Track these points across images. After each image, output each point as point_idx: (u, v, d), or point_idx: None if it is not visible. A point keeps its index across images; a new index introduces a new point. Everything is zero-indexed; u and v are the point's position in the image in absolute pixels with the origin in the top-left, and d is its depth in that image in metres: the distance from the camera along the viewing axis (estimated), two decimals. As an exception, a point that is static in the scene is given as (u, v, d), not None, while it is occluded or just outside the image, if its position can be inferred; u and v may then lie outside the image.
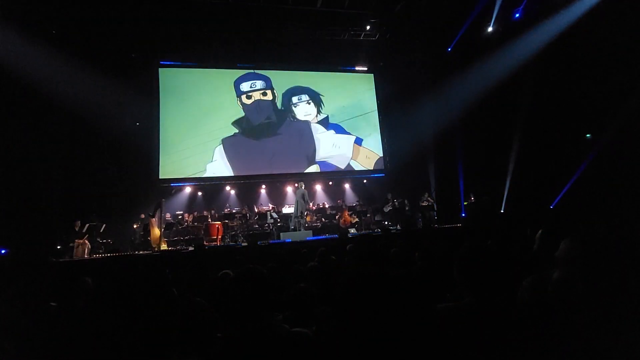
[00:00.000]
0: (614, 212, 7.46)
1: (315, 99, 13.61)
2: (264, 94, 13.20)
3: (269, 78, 13.41)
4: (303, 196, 10.22)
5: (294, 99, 13.50)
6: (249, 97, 13.07)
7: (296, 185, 10.87)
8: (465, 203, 11.46)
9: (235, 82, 13.06)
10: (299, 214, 10.18)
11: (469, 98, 11.38)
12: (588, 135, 9.68)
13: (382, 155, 13.56)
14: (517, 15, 10.58)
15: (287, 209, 11.46)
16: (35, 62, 8.88)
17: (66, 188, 9.71)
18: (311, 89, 13.63)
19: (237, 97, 13.01)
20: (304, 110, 13.54)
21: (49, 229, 9.06)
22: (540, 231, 1.95)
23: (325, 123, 13.40)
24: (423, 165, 12.91)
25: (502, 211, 10.50)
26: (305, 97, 13.59)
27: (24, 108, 8.96)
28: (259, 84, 13.34)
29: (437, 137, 12.27)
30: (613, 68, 8.35)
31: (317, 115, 13.48)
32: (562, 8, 9.37)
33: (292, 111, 13.36)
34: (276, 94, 13.30)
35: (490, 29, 11.15)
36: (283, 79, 13.23)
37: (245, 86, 13.19)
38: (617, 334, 0.80)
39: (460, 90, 11.65)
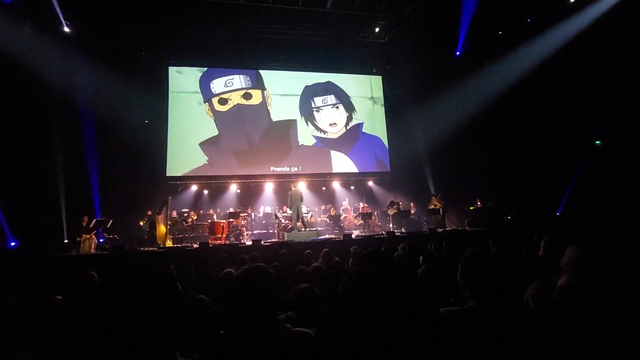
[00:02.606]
0: (620, 218, 7.36)
1: (345, 101, 13.16)
2: (247, 96, 12.38)
3: (257, 74, 12.54)
4: (301, 198, 10.07)
5: (317, 101, 13.06)
6: (223, 102, 12.10)
7: (293, 187, 10.15)
8: (471, 208, 11.37)
9: (201, 80, 12.03)
10: (304, 214, 10.15)
11: (477, 102, 11.30)
12: (598, 142, 9.56)
13: (388, 157, 13.51)
14: (528, 20, 10.50)
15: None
16: (47, 59, 9.02)
17: (74, 184, 9.83)
18: (338, 87, 13.04)
19: (205, 102, 12.10)
20: (328, 117, 13.03)
21: (57, 223, 9.18)
22: (546, 237, 1.93)
23: (354, 135, 13.16)
24: (429, 168, 12.85)
25: (508, 217, 10.40)
26: (331, 99, 13.09)
27: (34, 103, 9.09)
28: (239, 81, 12.32)
29: (444, 141, 12.19)
30: (623, 73, 8.24)
31: (346, 125, 13.07)
32: (573, 13, 9.28)
33: (314, 118, 12.91)
34: (268, 97, 12.68)
35: (499, 32, 11.08)
36: (288, 80, 13.21)
37: (218, 85, 12.18)
38: (623, 341, 0.79)
39: (468, 93, 11.58)
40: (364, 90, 13.83)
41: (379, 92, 13.97)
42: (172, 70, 12.15)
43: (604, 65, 8.62)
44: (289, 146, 12.67)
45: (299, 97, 13.08)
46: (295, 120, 12.86)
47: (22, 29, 8.83)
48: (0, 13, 8.28)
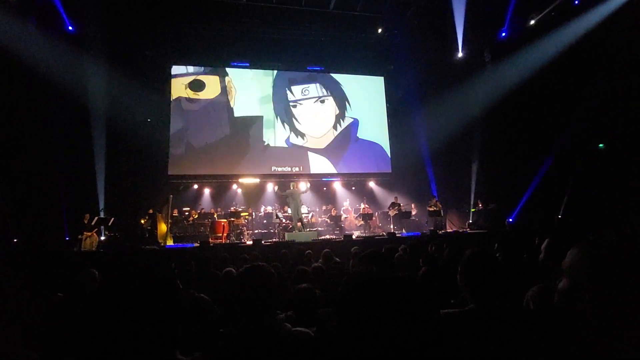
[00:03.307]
0: (622, 221, 7.34)
1: (338, 94, 13.16)
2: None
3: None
4: (301, 198, 10.02)
5: (296, 91, 12.87)
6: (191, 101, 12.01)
7: (291, 186, 9.92)
8: (472, 210, 11.37)
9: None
10: (303, 213, 10.13)
11: (480, 103, 11.29)
12: (601, 145, 9.53)
13: (389, 158, 13.49)
14: (532, 22, 10.48)
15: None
16: (50, 57, 9.05)
17: (76, 181, 9.85)
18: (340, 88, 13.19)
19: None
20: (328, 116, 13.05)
21: (59, 221, 9.21)
22: (546, 240, 1.92)
23: (346, 138, 13.13)
24: (431, 169, 12.83)
25: (510, 220, 10.38)
26: (314, 90, 13.04)
27: (36, 101, 9.12)
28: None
29: (447, 143, 12.18)
30: (626, 76, 8.22)
31: (336, 125, 13.03)
32: (578, 15, 9.26)
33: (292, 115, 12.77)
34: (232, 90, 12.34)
35: (503, 34, 11.06)
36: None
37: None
38: (624, 344, 0.79)
39: (471, 95, 11.57)
40: (366, 91, 13.81)
41: (381, 93, 13.94)
42: (175, 70, 12.17)
43: (607, 68, 8.59)
44: (294, 147, 12.69)
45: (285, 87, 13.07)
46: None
47: (26, 27, 8.86)
48: (4, 11, 8.32)
